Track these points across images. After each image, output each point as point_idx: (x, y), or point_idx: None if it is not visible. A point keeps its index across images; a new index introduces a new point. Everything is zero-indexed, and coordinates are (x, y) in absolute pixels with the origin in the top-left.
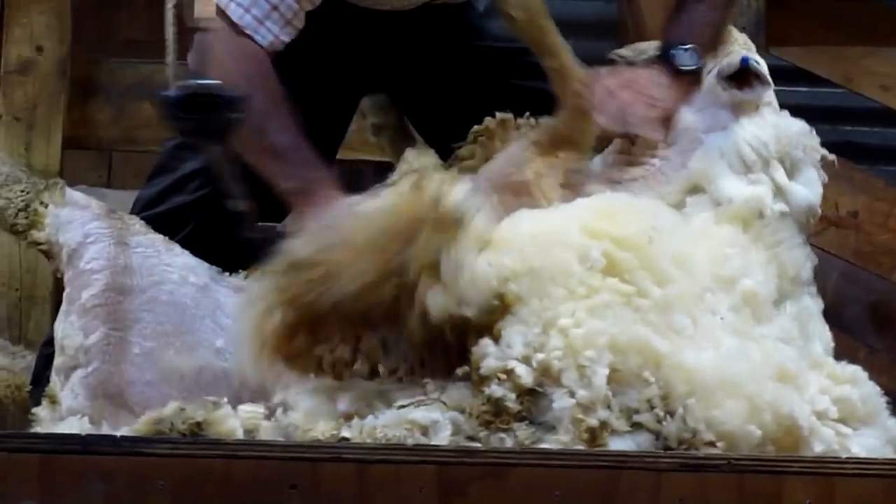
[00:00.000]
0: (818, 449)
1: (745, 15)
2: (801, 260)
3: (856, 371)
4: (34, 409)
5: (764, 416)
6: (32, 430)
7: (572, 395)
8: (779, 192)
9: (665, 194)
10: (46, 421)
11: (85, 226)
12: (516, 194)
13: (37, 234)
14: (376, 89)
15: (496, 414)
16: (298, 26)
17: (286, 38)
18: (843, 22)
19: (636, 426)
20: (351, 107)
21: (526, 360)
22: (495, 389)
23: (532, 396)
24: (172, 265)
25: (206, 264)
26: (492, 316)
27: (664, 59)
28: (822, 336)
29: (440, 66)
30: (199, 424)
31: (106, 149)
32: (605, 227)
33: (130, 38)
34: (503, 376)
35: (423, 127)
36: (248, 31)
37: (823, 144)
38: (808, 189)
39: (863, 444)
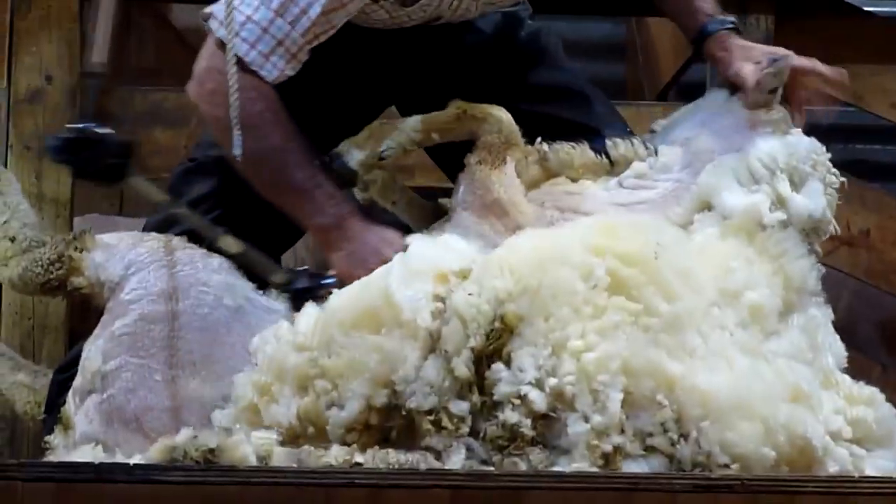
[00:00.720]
0: (832, 469)
1: (753, 34)
2: (807, 270)
3: (873, 392)
4: (47, 437)
5: (778, 438)
6: (47, 459)
7: (586, 419)
8: (780, 201)
9: (674, 214)
10: (59, 448)
11: (125, 258)
12: (497, 215)
13: (77, 280)
14: (386, 105)
15: (511, 439)
16: (303, 59)
17: (290, 73)
18: (852, 40)
19: (650, 449)
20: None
21: (539, 385)
22: (510, 415)
23: (546, 421)
24: (209, 284)
25: (242, 282)
26: (498, 340)
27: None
28: (834, 346)
29: (444, 86)
30: (212, 451)
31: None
32: (608, 243)
33: (140, 65)
34: (517, 402)
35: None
36: (253, 67)
37: (834, 163)
38: (811, 200)
39: (878, 466)
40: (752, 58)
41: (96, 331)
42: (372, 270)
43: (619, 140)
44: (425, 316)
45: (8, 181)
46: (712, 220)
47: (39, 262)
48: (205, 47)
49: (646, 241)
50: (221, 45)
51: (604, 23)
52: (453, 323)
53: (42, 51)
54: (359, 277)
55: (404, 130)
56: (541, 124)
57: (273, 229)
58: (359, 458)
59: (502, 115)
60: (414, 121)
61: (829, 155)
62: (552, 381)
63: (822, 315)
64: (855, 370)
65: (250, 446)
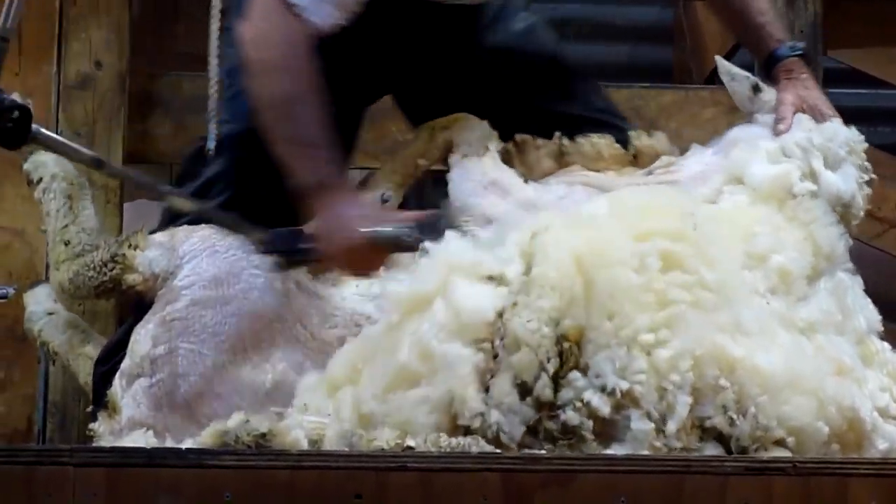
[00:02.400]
0: (882, 447)
1: (801, 18)
2: (835, 238)
3: None
4: (90, 425)
5: (830, 411)
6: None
7: (650, 417)
8: (811, 175)
9: (699, 194)
10: (105, 434)
11: (178, 249)
12: (499, 195)
13: (132, 277)
14: (384, 93)
15: (569, 437)
16: (355, 10)
17: (343, 21)
18: None
19: (707, 432)
20: (369, 101)
21: (610, 391)
22: (571, 416)
23: (607, 421)
24: (261, 268)
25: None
26: (571, 358)
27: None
28: (866, 310)
29: (441, 78)
30: (263, 436)
31: (167, 162)
32: (651, 225)
33: (189, 51)
34: (579, 405)
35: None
36: (304, 13)
37: (882, 146)
38: (843, 181)
39: None
40: (806, 99)
41: (147, 316)
42: (343, 243)
43: (642, 132)
44: (488, 316)
45: (80, 186)
46: (740, 191)
47: (92, 265)
48: None
49: (682, 214)
50: None
51: (651, 7)
52: (523, 351)
53: (91, 36)
54: (331, 248)
55: (390, 173)
56: (543, 119)
57: (287, 206)
58: (410, 442)
59: (469, 116)
60: (394, 163)
61: (866, 145)
62: (624, 385)
63: (850, 279)
64: None
65: (302, 430)
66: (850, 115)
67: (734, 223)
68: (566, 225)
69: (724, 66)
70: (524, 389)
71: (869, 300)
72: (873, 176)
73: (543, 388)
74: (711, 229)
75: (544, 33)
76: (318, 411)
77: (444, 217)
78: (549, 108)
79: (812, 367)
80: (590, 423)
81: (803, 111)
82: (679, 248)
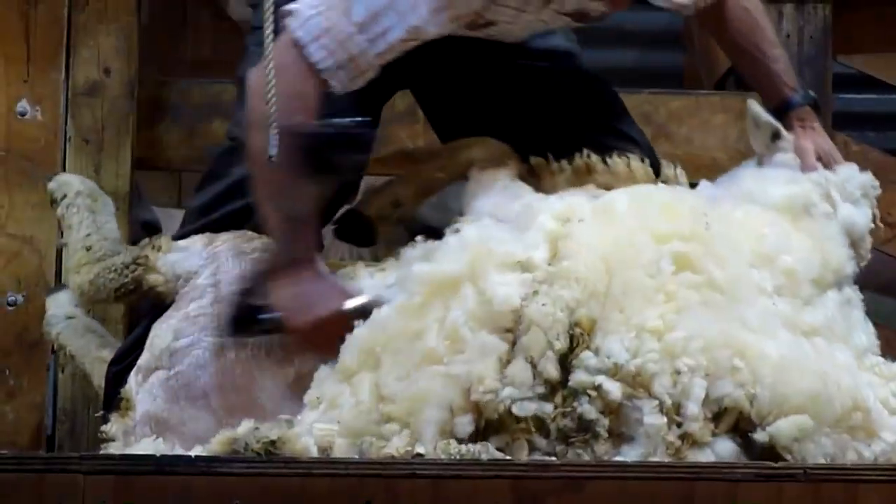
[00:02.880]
0: (890, 440)
1: (810, 23)
2: (845, 257)
3: None
4: (102, 427)
5: (834, 390)
6: (106, 451)
7: (662, 408)
8: (829, 199)
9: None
10: (118, 435)
11: (202, 252)
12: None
13: (153, 278)
14: (411, 84)
15: (581, 430)
16: (369, 78)
17: (357, 87)
18: None
19: (722, 420)
20: (383, 101)
21: (621, 370)
22: (587, 409)
23: (618, 411)
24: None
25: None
26: (580, 343)
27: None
28: (866, 329)
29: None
30: (273, 443)
31: (176, 169)
32: (669, 227)
33: (198, 57)
34: (593, 393)
35: (443, 129)
36: (323, 75)
37: (892, 151)
38: (858, 214)
39: None
40: (821, 147)
41: (167, 313)
42: (311, 318)
43: (670, 163)
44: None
45: (103, 203)
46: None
47: (114, 268)
48: (278, 41)
49: (697, 214)
50: (293, 44)
51: (661, 12)
52: (533, 331)
53: (100, 43)
54: (300, 321)
55: (408, 183)
56: (573, 136)
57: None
58: (420, 449)
59: (491, 140)
60: (413, 174)
61: (879, 191)
62: (636, 362)
63: (856, 298)
64: None
65: (311, 437)
66: (859, 120)
67: (745, 225)
68: (593, 217)
69: (754, 111)
70: (535, 368)
71: (869, 322)
72: (880, 225)
73: (547, 365)
74: (723, 230)
75: (571, 40)
76: (332, 403)
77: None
78: (572, 113)
79: (815, 356)
80: (605, 421)
81: (820, 159)
82: (691, 248)
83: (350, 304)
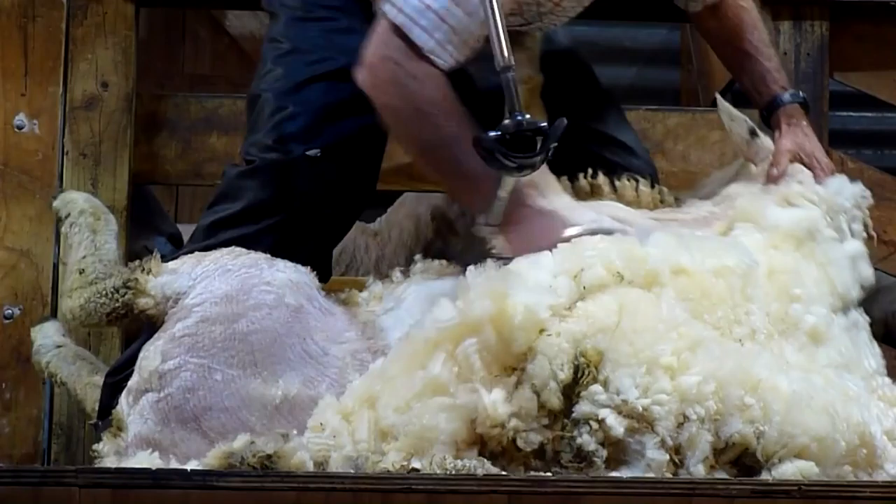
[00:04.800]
0: (893, 470)
1: (807, 41)
2: (850, 282)
3: None
4: (94, 446)
5: (842, 426)
6: (104, 465)
7: (664, 445)
8: (835, 226)
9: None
10: (109, 454)
11: (191, 272)
12: None
13: (144, 301)
14: None
15: (580, 461)
16: (476, 49)
17: (463, 60)
18: None
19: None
20: None
21: (628, 406)
22: (586, 440)
23: (619, 444)
24: (272, 283)
25: (307, 279)
26: (586, 375)
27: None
28: (873, 351)
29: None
30: (269, 457)
31: (173, 183)
32: (691, 263)
33: (196, 72)
34: (595, 425)
35: None
36: (430, 55)
37: (889, 169)
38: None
39: None
40: (804, 147)
41: (157, 334)
42: (534, 249)
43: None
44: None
45: (106, 222)
46: (754, 230)
47: (104, 292)
48: (375, 33)
49: (723, 257)
50: (395, 30)
51: (658, 29)
52: (539, 360)
53: (98, 57)
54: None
55: None
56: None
57: (331, 230)
58: (416, 464)
59: None
60: None
61: (871, 201)
62: (644, 402)
63: (863, 321)
64: None
65: (307, 452)
66: (856, 139)
67: (768, 279)
68: (622, 262)
69: (724, 106)
70: (539, 398)
71: (875, 343)
72: (872, 234)
73: (550, 396)
74: (753, 277)
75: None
76: (335, 432)
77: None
78: (578, 121)
79: (823, 389)
80: (604, 452)
81: (801, 159)
82: (711, 287)
83: (569, 233)
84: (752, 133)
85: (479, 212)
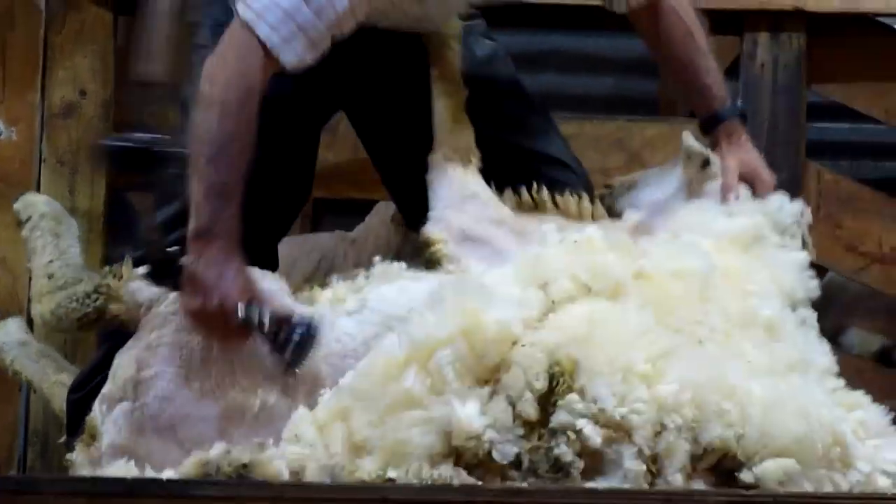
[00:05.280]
0: (865, 469)
1: (785, 52)
2: (797, 282)
3: (858, 395)
4: (68, 456)
5: (816, 426)
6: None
7: (640, 454)
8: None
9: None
10: (83, 464)
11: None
12: (478, 208)
13: (116, 307)
14: (336, 109)
15: (557, 471)
16: (324, 49)
17: (310, 61)
18: (884, 58)
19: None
20: (321, 123)
21: (605, 415)
22: (564, 451)
23: (595, 454)
24: None
25: (279, 286)
26: (562, 384)
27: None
28: (823, 349)
29: (397, 96)
30: (245, 466)
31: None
32: (652, 268)
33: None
34: (572, 435)
35: (375, 150)
36: (271, 51)
37: (865, 181)
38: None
39: (893, 449)
40: (748, 163)
41: (129, 342)
42: (210, 299)
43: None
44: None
45: (67, 226)
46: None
47: (75, 297)
48: (228, 29)
49: (686, 262)
50: (243, 27)
51: (637, 39)
52: (513, 370)
53: (76, 65)
54: (195, 295)
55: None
56: (498, 150)
57: (272, 212)
58: (391, 474)
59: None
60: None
61: (810, 219)
62: (622, 410)
63: (811, 316)
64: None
65: (283, 461)
66: (833, 150)
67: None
68: (585, 275)
69: (687, 144)
70: (514, 409)
71: (824, 340)
72: (813, 250)
73: (526, 405)
74: (711, 279)
75: (505, 62)
76: (310, 444)
77: (311, 327)
78: (505, 138)
79: (793, 394)
80: (580, 464)
81: (745, 176)
82: (674, 290)
83: (255, 307)
84: (705, 163)
85: (202, 222)
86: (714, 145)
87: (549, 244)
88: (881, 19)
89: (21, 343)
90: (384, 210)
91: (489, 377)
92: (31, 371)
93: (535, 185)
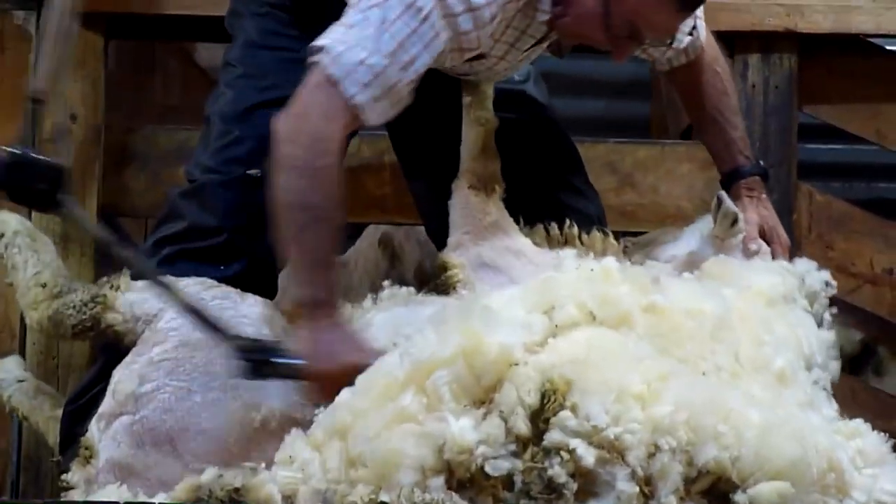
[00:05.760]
0: (862, 499)
1: (776, 73)
2: (817, 347)
3: (858, 423)
4: (63, 476)
5: (812, 452)
6: (69, 498)
7: (634, 477)
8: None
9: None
10: (80, 483)
11: (161, 295)
12: (497, 237)
13: (111, 316)
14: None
15: (550, 493)
16: (403, 107)
17: (393, 116)
18: (875, 79)
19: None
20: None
21: (598, 433)
22: (557, 472)
23: (588, 475)
24: (249, 316)
25: (275, 312)
26: (554, 402)
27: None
28: (830, 406)
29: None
30: (237, 490)
31: (141, 216)
32: (665, 303)
33: (165, 104)
34: (566, 455)
35: (410, 174)
36: (358, 111)
37: (857, 202)
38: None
39: (891, 478)
40: (767, 220)
41: (128, 358)
42: (332, 367)
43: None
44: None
45: (43, 243)
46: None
47: (72, 305)
48: (307, 83)
49: (699, 300)
50: (327, 81)
51: (628, 62)
52: (506, 387)
53: (66, 89)
54: (320, 369)
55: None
56: (527, 178)
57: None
58: (384, 497)
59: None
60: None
61: (834, 290)
62: (616, 430)
63: (825, 378)
64: (882, 408)
65: (275, 485)
66: (824, 171)
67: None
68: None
69: (725, 203)
70: (507, 424)
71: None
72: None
73: (517, 421)
74: (726, 318)
75: (539, 88)
76: (304, 464)
77: None
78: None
79: (789, 420)
80: (574, 485)
81: (763, 232)
82: (682, 324)
83: (370, 357)
84: (734, 223)
85: (303, 295)
86: (734, 199)
87: (564, 270)
88: (872, 40)
89: (19, 380)
90: (372, 233)
91: (485, 398)
92: (27, 408)
93: (566, 221)
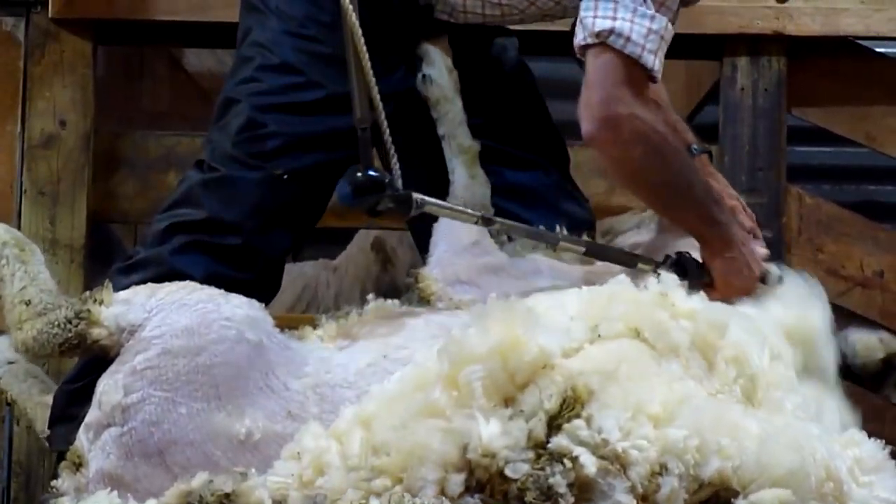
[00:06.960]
0: None
1: (765, 76)
2: (828, 361)
3: (853, 433)
4: (53, 483)
5: (810, 461)
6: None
7: (633, 491)
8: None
9: None
10: (69, 491)
11: (145, 304)
12: None
13: (97, 332)
14: None
15: (546, 500)
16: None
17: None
18: (864, 81)
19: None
20: None
21: (606, 447)
22: (558, 482)
23: (587, 484)
24: (232, 319)
25: (262, 315)
26: (572, 410)
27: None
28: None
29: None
30: (227, 496)
31: (131, 222)
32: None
33: (154, 109)
34: (569, 463)
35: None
36: (654, 74)
37: (847, 204)
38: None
39: (886, 486)
40: (730, 195)
41: (112, 367)
42: (742, 284)
43: None
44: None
45: (31, 252)
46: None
47: (56, 323)
48: (601, 72)
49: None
50: (625, 62)
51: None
52: (531, 388)
53: (56, 96)
54: (733, 286)
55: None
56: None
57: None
58: (374, 502)
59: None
60: None
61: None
62: (624, 444)
63: (833, 398)
64: (869, 412)
65: (266, 490)
66: (813, 173)
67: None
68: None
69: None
70: (527, 425)
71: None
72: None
73: (536, 424)
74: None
75: (531, 88)
76: (316, 459)
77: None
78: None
79: (787, 429)
80: (571, 498)
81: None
82: (704, 338)
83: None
84: None
85: (701, 236)
86: None
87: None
88: (861, 42)
89: (9, 361)
90: (363, 238)
91: (515, 397)
92: (16, 390)
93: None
